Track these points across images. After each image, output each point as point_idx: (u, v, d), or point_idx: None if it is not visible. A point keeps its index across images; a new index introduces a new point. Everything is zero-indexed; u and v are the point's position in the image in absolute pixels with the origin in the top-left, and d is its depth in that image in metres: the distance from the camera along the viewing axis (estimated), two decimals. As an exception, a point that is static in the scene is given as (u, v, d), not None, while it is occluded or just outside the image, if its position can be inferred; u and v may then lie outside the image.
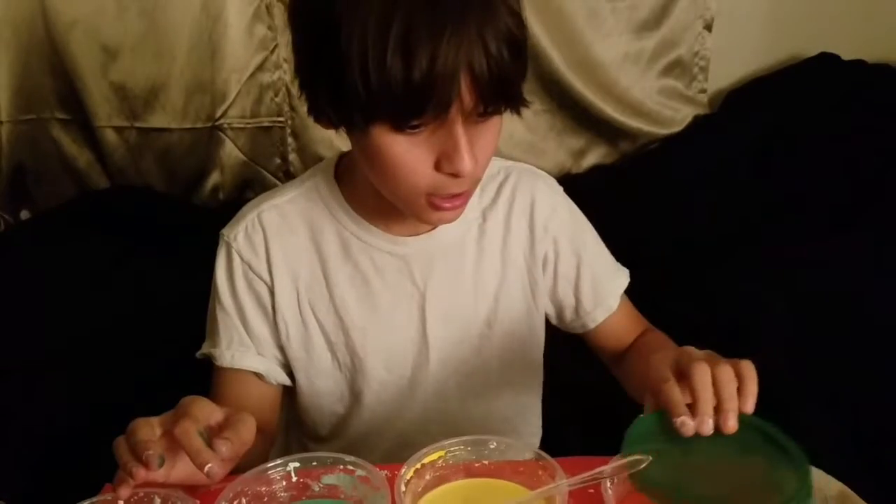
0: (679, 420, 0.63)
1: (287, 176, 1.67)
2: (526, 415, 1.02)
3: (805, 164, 1.59)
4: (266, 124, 1.65)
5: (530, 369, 0.99)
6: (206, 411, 0.66)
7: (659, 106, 1.69)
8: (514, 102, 0.74)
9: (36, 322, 1.33)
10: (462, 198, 0.78)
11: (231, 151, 1.68)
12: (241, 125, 1.65)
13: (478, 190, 0.88)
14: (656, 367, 0.69)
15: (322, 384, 0.91)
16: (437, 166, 0.73)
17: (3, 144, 1.65)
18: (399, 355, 0.91)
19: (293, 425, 1.00)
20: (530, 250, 0.93)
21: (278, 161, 1.69)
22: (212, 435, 0.64)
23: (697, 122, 1.71)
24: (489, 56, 0.67)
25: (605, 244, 0.99)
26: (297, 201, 0.89)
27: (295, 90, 1.60)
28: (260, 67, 1.61)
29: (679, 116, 1.70)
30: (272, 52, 1.60)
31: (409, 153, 0.72)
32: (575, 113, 1.69)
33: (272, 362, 0.90)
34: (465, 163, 0.71)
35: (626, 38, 1.63)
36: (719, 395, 0.64)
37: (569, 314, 0.97)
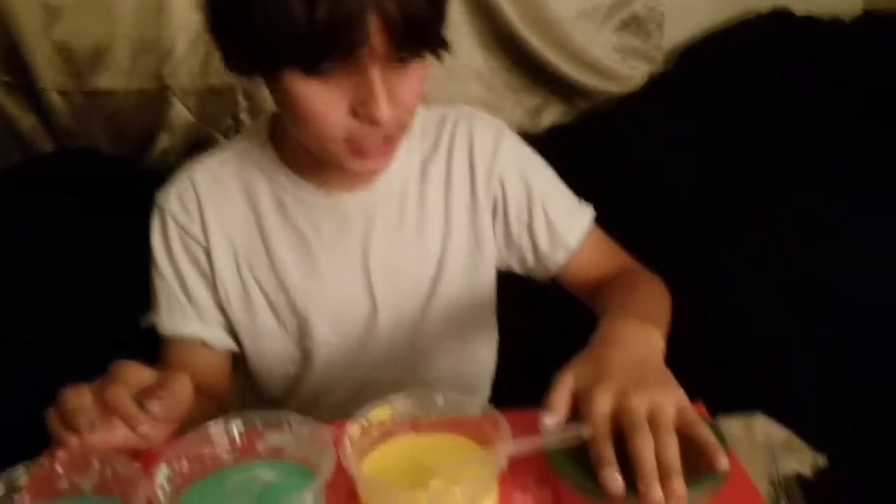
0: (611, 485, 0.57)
1: (239, 137, 1.63)
2: (480, 371, 1.02)
3: (759, 120, 1.60)
4: (216, 84, 1.61)
5: (482, 324, 0.99)
6: (138, 374, 0.65)
7: (615, 63, 1.68)
8: (433, 47, 0.72)
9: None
10: (388, 145, 0.76)
11: (180, 112, 1.63)
12: (190, 86, 1.61)
13: (417, 136, 0.87)
14: (594, 420, 0.61)
15: (269, 347, 0.91)
16: (354, 112, 0.72)
17: (-57, 109, 1.59)
18: (346, 316, 0.90)
19: (248, 390, 0.99)
20: (472, 198, 0.90)
21: (230, 122, 1.65)
22: (145, 397, 0.63)
23: (653, 80, 1.70)
24: None
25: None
26: (230, 162, 0.88)
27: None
28: (207, 26, 1.56)
29: (635, 74, 1.69)
30: (220, 9, 1.55)
31: (321, 98, 0.70)
32: (531, 70, 1.67)
33: (216, 328, 0.89)
34: (381, 109, 0.69)
35: (581, -7, 1.61)
36: (662, 464, 0.57)
37: (530, 259, 0.94)
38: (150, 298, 0.90)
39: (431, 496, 0.61)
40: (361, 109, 0.71)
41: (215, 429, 0.65)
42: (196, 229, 0.86)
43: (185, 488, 0.63)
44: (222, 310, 0.89)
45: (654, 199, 1.55)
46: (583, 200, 0.96)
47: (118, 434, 0.64)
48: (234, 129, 1.65)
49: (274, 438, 0.67)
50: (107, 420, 0.63)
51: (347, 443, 0.64)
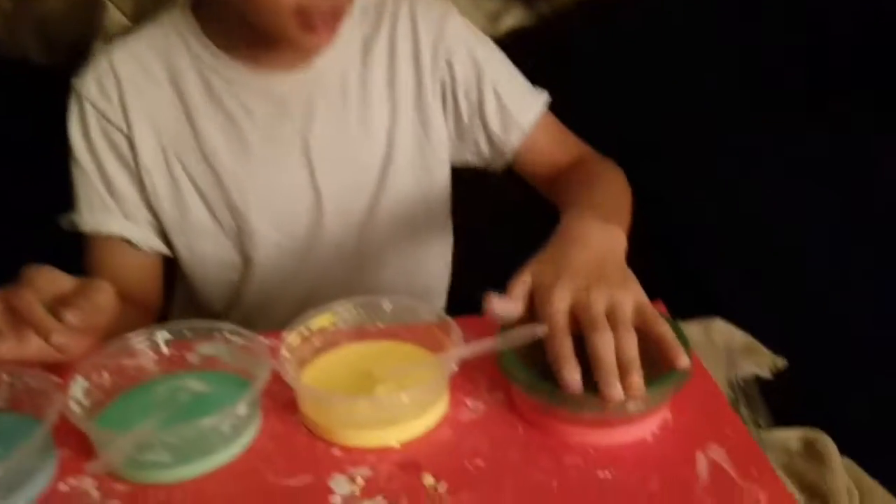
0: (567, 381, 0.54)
1: (180, 44, 1.53)
2: (434, 279, 0.97)
3: (728, 19, 1.53)
4: (152, -14, 1.49)
5: (435, 226, 0.93)
6: (52, 281, 0.59)
7: (577, -38, 1.59)
8: None
9: None
10: (336, 19, 0.71)
11: (115, 18, 1.51)
12: (125, -12, 1.49)
13: (357, 15, 0.81)
14: (551, 317, 0.57)
15: (205, 249, 0.84)
16: None
17: None
18: (288, 211, 0.83)
19: (190, 306, 0.94)
20: (418, 81, 0.84)
21: (168, 27, 1.54)
22: (61, 305, 0.57)
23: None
24: None
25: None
26: (153, 42, 0.80)
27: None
28: (141, -81, 1.43)
29: (598, -27, 1.60)
30: None
31: None
32: (489, -29, 1.57)
33: (143, 226, 0.82)
34: None
35: None
36: (621, 360, 0.54)
37: (483, 146, 0.88)
38: (71, 196, 0.82)
39: (375, 403, 0.57)
40: None
41: (138, 339, 0.60)
42: (117, 116, 0.79)
43: (108, 403, 0.59)
44: (150, 207, 0.82)
45: (615, 102, 1.50)
46: (537, 86, 0.90)
47: (31, 345, 0.58)
48: (174, 35, 1.55)
49: (205, 349, 0.62)
50: (17, 329, 0.58)
51: (285, 351, 0.59)
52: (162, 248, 0.85)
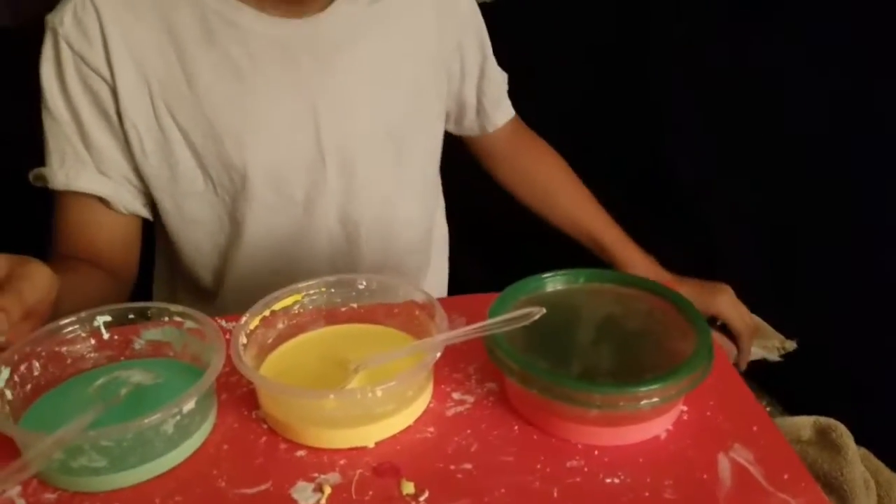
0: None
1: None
2: (433, 237, 0.93)
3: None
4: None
5: (433, 180, 0.91)
6: None
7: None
8: None
9: None
10: None
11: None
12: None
13: None
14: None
15: (194, 209, 0.76)
16: None
17: None
18: (289, 170, 0.75)
19: (174, 283, 0.86)
20: (439, 39, 0.82)
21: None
22: None
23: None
24: None
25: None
26: None
27: None
28: None
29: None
30: None
31: None
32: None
33: (120, 184, 0.74)
34: None
35: None
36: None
37: (469, 115, 0.92)
38: (42, 149, 0.74)
39: (346, 397, 0.49)
40: None
41: (71, 324, 0.52)
42: (98, 59, 0.69)
43: (39, 397, 0.51)
44: (133, 162, 0.73)
45: (609, 73, 1.43)
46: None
47: None
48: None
49: (153, 333, 0.54)
50: None
51: (241, 336, 0.52)
52: (140, 211, 0.76)
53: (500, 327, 0.50)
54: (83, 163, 0.72)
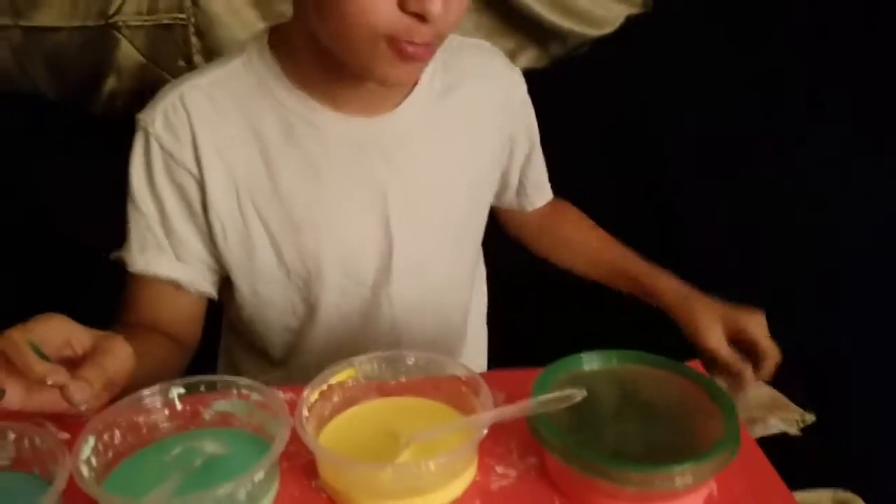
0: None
1: (192, 80, 1.52)
2: (479, 310, 1.00)
3: (742, 62, 1.52)
4: (166, 21, 1.48)
5: (478, 258, 0.97)
6: (59, 328, 0.56)
7: (591, 5, 1.58)
8: None
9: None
10: (427, 49, 0.68)
11: (128, 52, 1.51)
12: (138, 22, 1.48)
13: (439, 63, 0.81)
14: (710, 329, 0.84)
15: (269, 293, 0.81)
16: (403, 6, 0.64)
17: None
18: (359, 257, 0.81)
19: (241, 354, 0.91)
20: (498, 132, 0.88)
21: (182, 63, 1.53)
22: (74, 366, 0.54)
23: (630, 22, 1.61)
24: None
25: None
26: (225, 82, 0.76)
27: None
28: (155, -44, 1.43)
29: (611, 15, 1.60)
30: (168, -63, 1.43)
31: None
32: (503, 12, 1.57)
33: (195, 269, 0.79)
34: (437, 1, 0.63)
35: (558, -70, 1.51)
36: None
37: (510, 193, 0.97)
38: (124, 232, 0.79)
39: (399, 471, 0.54)
40: (415, 3, 0.63)
41: (151, 395, 0.57)
42: (187, 157, 0.75)
43: (118, 463, 0.55)
44: (214, 249, 0.79)
45: (628, 146, 1.49)
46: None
47: (41, 396, 0.55)
48: (187, 70, 1.53)
49: (221, 405, 0.59)
50: (20, 379, 0.54)
51: (304, 409, 0.56)
52: (211, 292, 0.82)
53: (546, 407, 0.54)
54: (163, 251, 0.77)
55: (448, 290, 0.89)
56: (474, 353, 0.99)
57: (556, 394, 0.54)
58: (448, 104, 0.82)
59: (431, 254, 0.84)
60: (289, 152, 0.76)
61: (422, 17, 0.64)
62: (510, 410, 0.54)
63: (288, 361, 0.87)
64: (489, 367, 1.03)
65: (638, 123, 1.53)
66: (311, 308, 0.82)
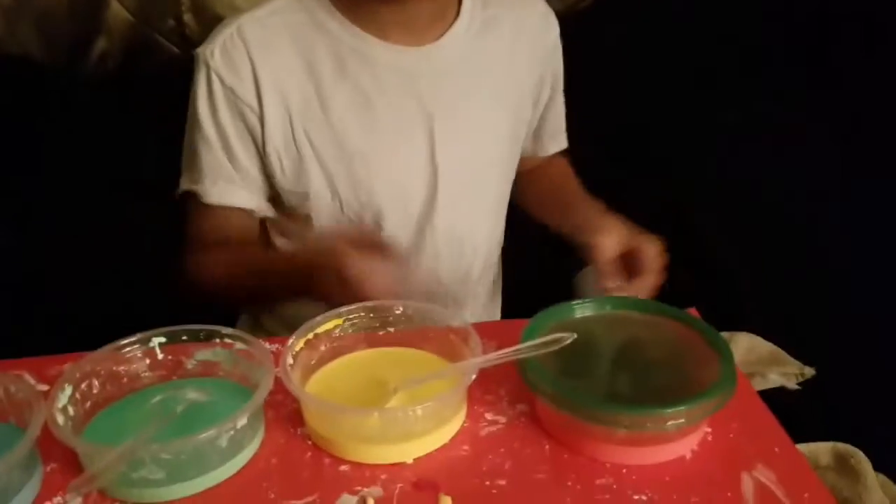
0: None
1: (183, 39, 1.48)
2: (499, 249, 0.98)
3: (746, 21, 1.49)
4: (156, -20, 1.45)
5: (507, 195, 0.95)
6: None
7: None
8: None
9: None
10: None
11: (117, 12, 1.47)
12: (127, -18, 1.45)
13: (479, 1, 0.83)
14: (605, 240, 0.72)
15: (321, 222, 0.82)
16: None
17: None
18: (406, 187, 0.82)
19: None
20: (531, 70, 0.88)
21: (172, 23, 1.50)
22: None
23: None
24: None
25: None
26: (281, 13, 0.78)
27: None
28: None
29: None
30: None
31: None
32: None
33: (260, 196, 0.81)
34: None
35: None
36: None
37: (527, 138, 0.95)
38: (184, 162, 0.81)
39: (387, 416, 0.53)
40: None
41: (130, 344, 0.56)
42: (248, 93, 0.76)
43: (97, 413, 0.54)
44: (270, 179, 0.81)
45: (628, 104, 1.46)
46: None
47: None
48: (178, 30, 1.50)
49: (204, 354, 0.58)
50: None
51: (288, 357, 0.55)
52: (272, 214, 0.84)
53: (533, 352, 0.52)
54: (234, 181, 0.79)
55: (486, 224, 0.89)
56: (495, 295, 1.00)
57: (545, 338, 0.53)
58: (488, 38, 0.83)
59: (473, 186, 0.85)
60: (341, 83, 0.78)
61: None
62: (498, 355, 0.53)
63: None
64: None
65: (638, 80, 1.50)
66: None
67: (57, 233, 1.28)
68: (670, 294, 0.67)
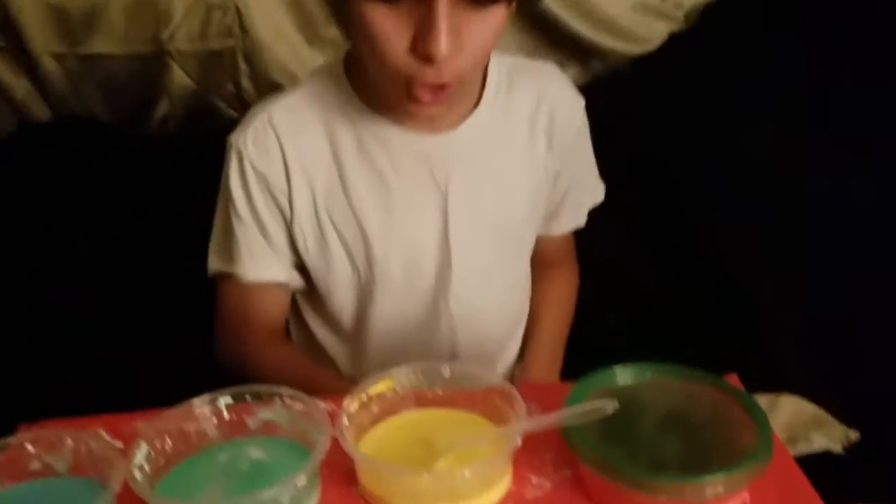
0: None
1: (241, 104, 1.56)
2: (523, 321, 0.99)
3: (783, 81, 1.52)
4: (216, 47, 1.54)
5: (527, 271, 0.97)
6: None
7: (632, 23, 1.59)
8: None
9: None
10: (442, 94, 0.72)
11: (179, 78, 1.57)
12: (189, 49, 1.54)
13: (503, 83, 0.85)
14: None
15: (341, 294, 0.88)
16: (413, 47, 0.68)
17: (-66, 75, 1.53)
18: (420, 265, 0.86)
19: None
20: (548, 151, 0.89)
21: (231, 88, 1.58)
22: None
23: (672, 40, 1.62)
24: None
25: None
26: (308, 99, 0.84)
27: (245, 9, 1.50)
28: (206, -17, 1.49)
29: (653, 34, 1.61)
30: (218, -35, 1.48)
31: (386, 23, 0.67)
32: (544, 32, 1.59)
33: (290, 268, 0.87)
34: (440, 44, 0.65)
35: (597, -52, 1.53)
36: None
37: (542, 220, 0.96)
38: (214, 244, 0.87)
39: (436, 478, 0.56)
40: (420, 43, 0.67)
41: (201, 404, 0.60)
42: (278, 175, 0.82)
43: (169, 469, 0.58)
44: (297, 256, 0.86)
45: (665, 169, 1.49)
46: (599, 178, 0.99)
47: None
48: (236, 95, 1.59)
49: (265, 414, 0.61)
50: None
51: (344, 418, 0.58)
52: (302, 285, 0.89)
53: (577, 419, 0.55)
54: (267, 257, 0.84)
55: (500, 299, 0.92)
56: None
57: (589, 405, 0.55)
58: (509, 119, 0.86)
59: (487, 263, 0.88)
60: (360, 164, 0.82)
61: (429, 59, 0.67)
62: (543, 420, 0.56)
63: (353, 364, 0.92)
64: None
65: (677, 143, 1.53)
66: (375, 308, 0.87)
67: (111, 284, 1.34)
68: (713, 356, 0.68)
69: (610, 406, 0.54)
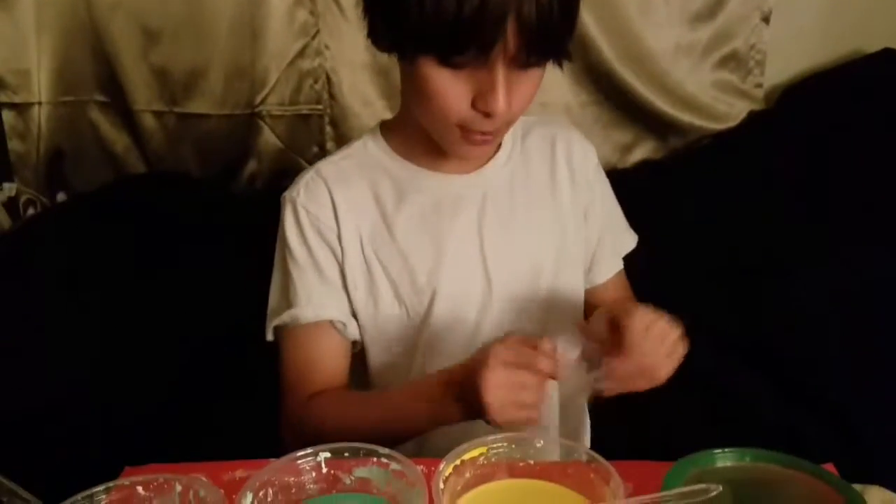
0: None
1: (325, 165, 1.62)
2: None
3: (864, 165, 1.50)
4: (305, 112, 1.62)
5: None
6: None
7: (712, 100, 1.61)
8: (558, 56, 0.79)
9: (58, 308, 1.28)
10: (492, 136, 0.83)
11: (268, 139, 1.64)
12: (280, 112, 1.62)
13: (518, 130, 0.95)
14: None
15: (389, 329, 0.92)
16: (473, 103, 0.78)
17: (42, 126, 1.64)
18: (464, 295, 0.92)
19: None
20: (574, 198, 0.96)
21: (315, 150, 1.65)
22: None
23: (752, 118, 1.63)
24: (539, 6, 0.71)
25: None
26: (350, 158, 0.94)
27: (335, 77, 1.57)
28: (300, 54, 1.57)
29: (733, 111, 1.63)
30: (313, 38, 1.56)
31: (449, 87, 0.77)
32: (623, 105, 1.62)
33: (347, 310, 0.91)
34: (499, 104, 0.75)
35: (679, 28, 1.56)
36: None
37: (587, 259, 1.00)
38: (274, 301, 0.92)
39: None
40: (480, 102, 0.77)
41: (303, 457, 0.62)
42: (328, 215, 0.90)
43: (269, 521, 0.59)
44: (348, 297, 0.91)
45: (739, 238, 1.47)
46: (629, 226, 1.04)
47: None
48: (320, 156, 1.65)
49: (362, 471, 0.63)
50: None
51: (440, 482, 0.59)
52: (357, 335, 0.92)
53: (678, 500, 0.55)
54: (323, 296, 0.90)
55: (538, 330, 0.94)
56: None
57: (692, 487, 0.55)
58: (530, 165, 0.95)
59: (524, 295, 0.93)
60: (402, 208, 0.91)
61: (490, 115, 0.77)
62: (643, 500, 0.56)
63: None
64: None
65: (753, 219, 1.52)
66: (422, 344, 0.92)
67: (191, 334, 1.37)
68: (806, 447, 0.67)
69: (714, 488, 0.54)
